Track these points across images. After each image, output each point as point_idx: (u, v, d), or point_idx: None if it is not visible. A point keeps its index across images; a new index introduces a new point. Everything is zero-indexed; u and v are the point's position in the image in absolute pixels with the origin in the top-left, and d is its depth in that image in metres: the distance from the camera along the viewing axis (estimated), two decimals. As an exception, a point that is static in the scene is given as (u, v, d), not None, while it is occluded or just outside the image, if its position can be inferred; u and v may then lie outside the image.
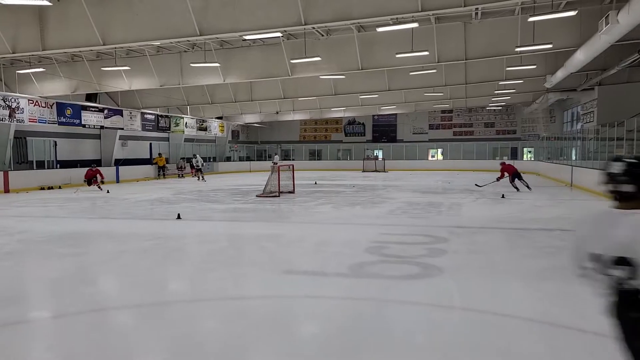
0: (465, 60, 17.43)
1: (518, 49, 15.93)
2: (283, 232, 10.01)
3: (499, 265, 7.02)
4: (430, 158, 42.58)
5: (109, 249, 8.50)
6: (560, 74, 19.61)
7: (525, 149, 39.97)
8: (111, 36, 12.79)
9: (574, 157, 26.00)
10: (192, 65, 18.58)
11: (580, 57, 15.65)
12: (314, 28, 16.74)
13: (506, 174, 18.47)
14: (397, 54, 16.38)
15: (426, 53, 16.62)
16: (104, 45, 12.83)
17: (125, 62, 19.46)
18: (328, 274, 6.49)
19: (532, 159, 37.57)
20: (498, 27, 16.84)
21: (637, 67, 20.77)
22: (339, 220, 11.74)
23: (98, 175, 19.80)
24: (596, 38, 13.65)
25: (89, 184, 19.81)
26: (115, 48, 15.04)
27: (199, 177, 27.47)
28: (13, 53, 13.30)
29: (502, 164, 19.29)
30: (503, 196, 16.15)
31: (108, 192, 18.54)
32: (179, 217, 11.68)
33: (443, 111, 42.57)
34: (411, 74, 21.49)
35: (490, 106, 39.07)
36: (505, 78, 22.70)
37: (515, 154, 39.47)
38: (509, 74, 22.12)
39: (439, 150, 42.64)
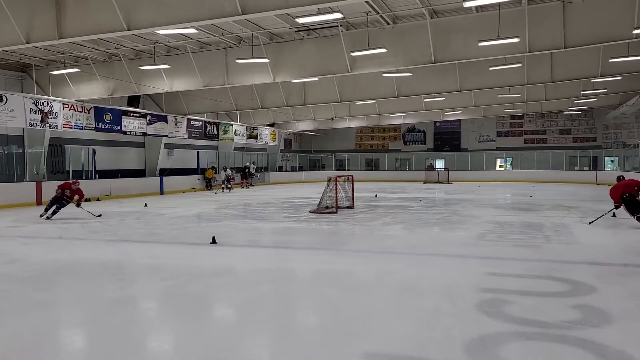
0: (564, 48, 14.22)
1: (636, 32, 12.68)
2: (347, 268, 7.33)
3: None
4: (498, 168, 38.80)
5: (98, 294, 6.03)
6: (680, 65, 16.00)
7: (607, 159, 35.57)
8: (137, 19, 10.65)
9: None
10: (238, 61, 16.34)
11: None
12: (379, 14, 14.18)
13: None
14: (481, 41, 13.48)
15: (516, 40, 13.58)
16: (128, 30, 10.69)
17: (165, 60, 17.55)
18: (435, 364, 3.78)
19: (618, 169, 33.16)
20: (607, 5, 13.64)
21: None
22: (417, 248, 8.96)
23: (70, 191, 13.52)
24: None
25: (60, 204, 13.38)
26: (151, 41, 12.89)
27: (229, 188, 25.92)
28: (27, 43, 11.43)
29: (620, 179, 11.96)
30: (614, 215, 12.85)
31: (100, 215, 13.66)
32: (213, 241, 9.29)
33: (512, 117, 38.77)
34: (491, 69, 18.37)
35: (567, 111, 35.02)
36: (601, 74, 19.15)
37: (595, 164, 35.22)
38: (608, 67, 18.59)
39: (508, 160, 38.79)
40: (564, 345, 4.13)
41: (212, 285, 6.47)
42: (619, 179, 12.04)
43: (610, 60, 17.33)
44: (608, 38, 13.98)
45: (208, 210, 15.98)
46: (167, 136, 24.86)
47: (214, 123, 28.57)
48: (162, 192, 23.53)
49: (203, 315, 5.19)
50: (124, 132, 21.51)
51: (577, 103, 29.51)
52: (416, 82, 21.49)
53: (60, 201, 13.35)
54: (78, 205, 13.54)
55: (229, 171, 26.93)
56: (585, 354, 3.94)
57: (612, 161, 35.48)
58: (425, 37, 14.97)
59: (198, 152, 28.81)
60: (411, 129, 42.37)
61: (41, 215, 13.16)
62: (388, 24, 14.99)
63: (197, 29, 14.57)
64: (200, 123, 27.19)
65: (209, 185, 26.91)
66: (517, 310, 5.03)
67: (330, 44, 16.30)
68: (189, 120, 26.17)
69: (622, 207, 11.12)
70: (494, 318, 4.83)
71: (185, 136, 26.03)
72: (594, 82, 21.83)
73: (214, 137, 28.67)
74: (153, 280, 6.71)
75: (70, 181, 14.28)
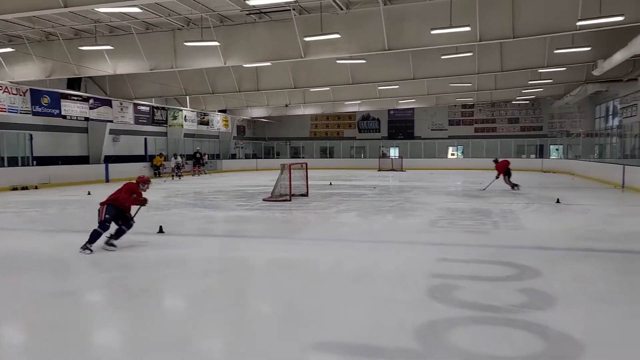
0: (513, 38, 14.49)
1: (580, 23, 13.03)
2: (301, 256, 7.19)
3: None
4: (450, 156, 39.62)
5: (35, 288, 5.67)
6: (619, 57, 16.64)
7: (552, 147, 36.96)
8: (74, -7, 10.00)
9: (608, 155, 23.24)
10: (186, 44, 15.75)
11: (661, 31, 12.74)
12: (332, -2, 13.98)
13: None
14: (433, 29, 13.54)
15: (467, 29, 13.73)
16: (65, 7, 10.01)
17: (108, 41, 16.69)
18: (385, 352, 3.71)
19: (562, 157, 34.56)
20: (555, -4, 13.96)
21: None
22: (371, 235, 8.93)
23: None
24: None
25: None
26: (91, 20, 12.13)
27: (179, 176, 25.34)
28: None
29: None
30: (558, 201, 13.34)
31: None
32: (161, 230, 8.94)
33: (464, 106, 39.59)
34: (443, 57, 18.55)
35: (516, 101, 36.08)
36: (547, 64, 19.74)
37: (542, 152, 36.51)
38: (554, 58, 19.17)
39: (460, 148, 39.66)
40: (511, 329, 4.17)
41: (159, 276, 6.19)
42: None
43: (555, 51, 17.87)
44: (554, 29, 14.34)
45: (156, 198, 15.37)
46: (111, 121, 23.76)
47: (163, 108, 27.61)
48: (107, 180, 22.61)
49: (149, 308, 4.94)
50: (64, 117, 20.33)
51: (525, 93, 30.41)
52: (370, 70, 21.48)
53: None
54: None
55: (179, 158, 26.17)
56: (530, 337, 3.99)
57: (557, 149, 36.85)
58: (379, 24, 14.91)
59: (146, 139, 27.77)
60: (366, 117, 42.56)
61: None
62: (342, 9, 14.80)
63: (141, 8, 13.94)
64: (148, 108, 26.18)
65: (157, 172, 26.06)
66: (466, 295, 5.06)
67: (283, 28, 15.97)
68: (135, 105, 25.14)
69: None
70: (444, 303, 4.83)
71: (132, 122, 25.01)
72: (540, 72, 22.47)
73: (163, 123, 27.71)
74: (94, 273, 6.35)
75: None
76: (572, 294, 5.19)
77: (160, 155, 26.91)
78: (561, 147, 36.19)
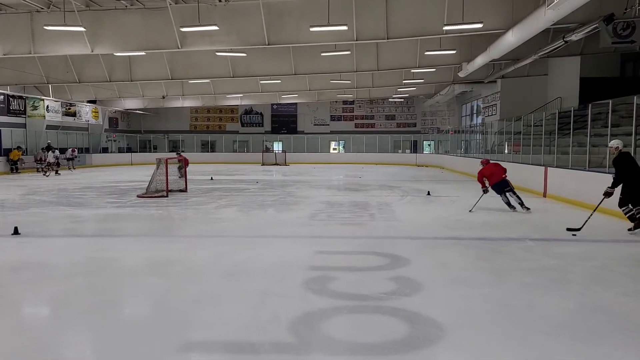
0: (387, 39, 15.21)
1: (446, 28, 14.11)
2: (177, 254, 6.86)
3: (512, 311, 4.58)
4: (332, 151, 40.74)
5: None
6: (480, 60, 18.28)
7: (425, 142, 39.68)
8: None
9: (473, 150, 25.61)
10: (46, 28, 14.26)
11: (512, 39, 14.17)
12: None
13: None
14: (312, 26, 13.75)
15: (344, 28, 14.17)
16: None
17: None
18: (259, 348, 3.65)
19: (433, 152, 37.24)
20: (422, 3, 14.89)
21: (540, 60, 20.15)
22: (250, 230, 8.82)
23: None
24: (537, 15, 12.10)
25: None
26: None
27: (56, 172, 23.03)
28: None
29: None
30: (429, 193, 14.33)
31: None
32: (16, 231, 8.02)
33: (345, 102, 40.95)
34: (323, 54, 18.92)
35: (392, 98, 38.11)
36: (419, 65, 21.08)
37: (416, 147, 38.99)
38: (424, 60, 20.55)
39: (341, 143, 40.97)
40: (380, 315, 4.34)
41: (12, 281, 5.53)
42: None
43: (425, 53, 19.13)
44: (423, 32, 15.30)
45: (11, 196, 13.88)
46: (-46, 110, 20.95)
47: (20, 97, 24.89)
48: (-48, 178, 19.88)
49: (2, 317, 4.38)
50: None
51: (400, 91, 32.18)
52: (252, 63, 21.30)
53: None
54: None
55: (57, 152, 23.72)
56: (397, 322, 4.17)
57: (429, 145, 39.56)
58: (259, 18, 14.79)
59: (0, 130, 24.82)
60: (249, 111, 42.19)
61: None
62: (220, 0, 14.44)
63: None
64: (2, 97, 23.44)
65: (14, 168, 23.46)
66: (341, 286, 5.17)
67: (157, 17, 15.16)
68: (-13, 93, 22.40)
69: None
70: (320, 295, 4.89)
71: (-18, 111, 22.24)
72: (413, 72, 23.92)
73: (21, 113, 25.02)
74: None
75: None
76: (437, 279, 5.53)
77: (18, 148, 24.19)
78: (433, 142, 38.90)
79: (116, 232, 8.74)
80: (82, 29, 14.39)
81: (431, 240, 7.87)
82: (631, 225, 8.08)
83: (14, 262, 6.35)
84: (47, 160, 23.04)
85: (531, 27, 12.81)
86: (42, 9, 15.05)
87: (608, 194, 8.06)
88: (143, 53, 17.78)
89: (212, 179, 20.17)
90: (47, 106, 26.66)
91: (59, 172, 23.37)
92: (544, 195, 13.38)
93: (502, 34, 14.89)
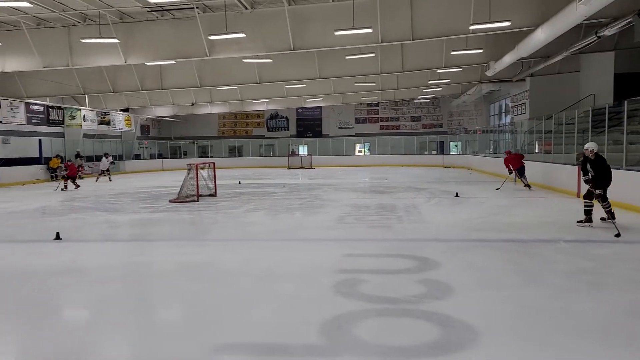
0: (412, 40, 15.20)
1: (472, 27, 13.99)
2: (208, 258, 7.07)
3: (547, 315, 4.60)
4: (357, 153, 40.77)
5: None
6: (508, 59, 18.04)
7: (452, 143, 39.33)
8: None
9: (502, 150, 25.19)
10: (83, 41, 14.82)
11: (541, 36, 13.95)
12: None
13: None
14: (336, 30, 13.86)
15: (369, 30, 14.22)
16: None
17: (-6, 37, 15.36)
18: (290, 350, 3.78)
19: (460, 152, 36.86)
20: (449, 1, 14.83)
21: (571, 56, 19.76)
22: (279, 233, 8.98)
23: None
24: (568, 11, 11.90)
25: None
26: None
27: (97, 178, 23.99)
28: None
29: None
30: (457, 194, 14.26)
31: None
32: (57, 237, 8.39)
33: (369, 104, 40.91)
34: (347, 57, 19.04)
35: (417, 99, 37.91)
36: (445, 65, 20.96)
37: (442, 148, 38.68)
38: (451, 60, 20.40)
39: (366, 145, 40.95)
40: (412, 319, 4.40)
41: (54, 285, 5.82)
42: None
43: (452, 53, 18.99)
44: (449, 32, 15.22)
45: (52, 203, 14.42)
46: (0, 122, 21.82)
47: (59, 108, 25.82)
48: (-4, 185, 20.73)
49: (46, 319, 4.64)
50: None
51: (426, 92, 32.00)
52: (277, 69, 21.54)
53: None
54: None
55: (110, 157, 24.85)
56: (430, 326, 4.22)
57: (456, 145, 39.20)
58: (284, 24, 14.99)
59: (40, 140, 25.77)
60: (274, 116, 42.60)
61: None
62: (246, 8, 14.71)
63: (31, 3, 12.92)
64: (42, 108, 24.37)
65: (54, 175, 24.32)
66: (370, 289, 5.26)
67: (186, 26, 15.55)
68: (27, 104, 23.30)
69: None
70: (349, 298, 4.99)
71: (24, 122, 23.17)
72: (439, 72, 23.79)
73: (59, 123, 25.93)
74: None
75: None
76: (468, 282, 5.54)
77: (57, 157, 25.09)
78: (460, 143, 38.51)
79: (150, 237, 9.03)
80: (116, 40, 14.88)
81: (460, 242, 7.87)
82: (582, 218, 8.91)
83: (56, 265, 6.67)
84: (99, 168, 24.36)
85: (562, 23, 12.58)
86: (79, 22, 15.64)
87: (600, 196, 8.50)
88: (173, 62, 18.23)
89: (240, 183, 20.49)
90: (84, 115, 27.56)
91: (111, 178, 24.34)
92: (578, 196, 13.12)
93: (530, 31, 14.69)
